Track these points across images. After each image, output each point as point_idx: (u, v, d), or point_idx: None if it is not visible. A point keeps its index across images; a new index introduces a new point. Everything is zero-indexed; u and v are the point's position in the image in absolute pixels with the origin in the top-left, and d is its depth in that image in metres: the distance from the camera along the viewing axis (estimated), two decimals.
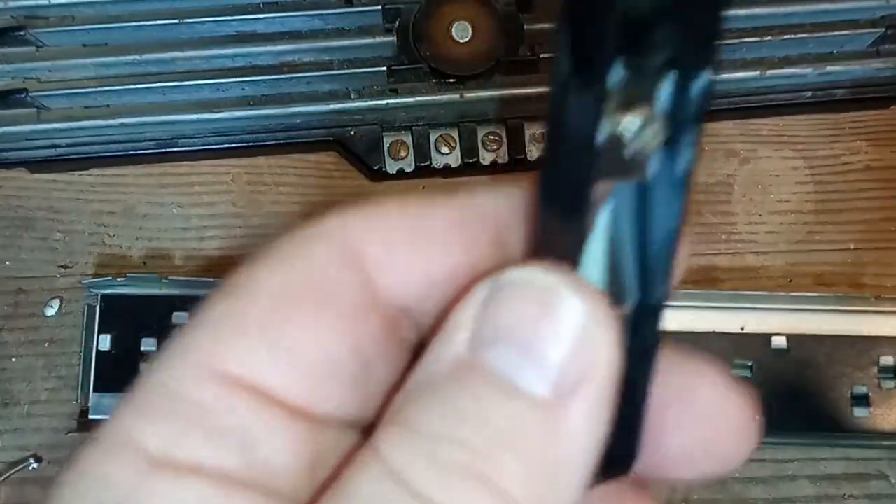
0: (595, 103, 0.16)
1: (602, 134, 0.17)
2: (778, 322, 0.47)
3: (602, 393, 0.17)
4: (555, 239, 0.18)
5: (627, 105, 0.17)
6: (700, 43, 0.17)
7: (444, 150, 0.49)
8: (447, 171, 0.49)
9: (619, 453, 0.19)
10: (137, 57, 0.48)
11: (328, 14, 0.48)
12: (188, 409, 0.17)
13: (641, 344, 0.19)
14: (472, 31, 0.48)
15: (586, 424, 0.17)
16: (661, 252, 0.19)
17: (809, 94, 0.50)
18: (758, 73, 0.49)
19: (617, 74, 0.17)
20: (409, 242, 0.19)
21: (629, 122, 0.17)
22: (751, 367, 0.46)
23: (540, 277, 0.17)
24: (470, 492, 0.16)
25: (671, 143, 0.18)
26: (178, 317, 0.46)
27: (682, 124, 0.18)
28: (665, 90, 0.17)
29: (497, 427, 0.16)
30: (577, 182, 0.17)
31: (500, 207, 0.20)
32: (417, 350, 0.19)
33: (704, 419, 0.21)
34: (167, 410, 0.17)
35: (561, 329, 0.17)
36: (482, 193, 0.20)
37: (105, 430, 0.17)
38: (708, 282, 0.50)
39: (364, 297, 0.19)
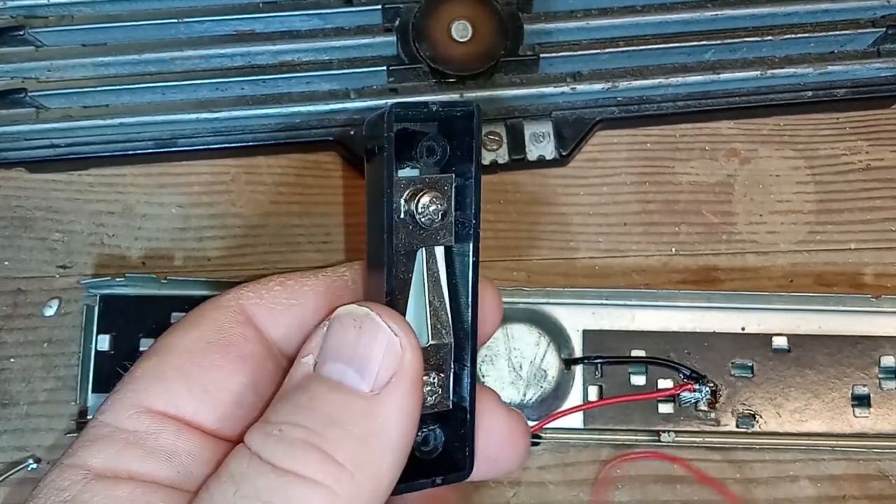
0: (394, 191, 0.25)
1: (402, 211, 0.25)
2: (779, 322, 0.47)
3: (409, 387, 0.23)
4: (377, 289, 0.25)
5: (421, 191, 0.25)
6: (462, 150, 0.25)
7: None
8: None
9: (458, 461, 0.26)
10: (136, 56, 0.48)
11: (328, 13, 0.48)
12: (125, 436, 0.24)
13: (461, 369, 0.26)
14: (472, 30, 0.48)
15: (398, 410, 0.23)
16: (465, 296, 0.26)
17: (810, 93, 0.50)
18: (758, 72, 0.49)
19: (408, 172, 0.26)
20: (287, 307, 0.26)
21: (423, 203, 0.25)
22: (751, 368, 0.46)
23: (356, 310, 0.24)
24: (306, 457, 0.22)
25: (459, 218, 0.26)
26: (176, 317, 0.46)
27: (464, 204, 0.26)
28: (449, 180, 0.26)
29: (327, 413, 0.22)
30: (388, 245, 0.25)
31: (357, 276, 0.27)
32: None
33: (490, 432, 0.27)
34: (108, 439, 0.24)
35: (373, 343, 0.23)
36: (343, 267, 0.28)
37: (59, 459, 0.24)
38: (708, 282, 0.50)
39: (258, 347, 0.26)
